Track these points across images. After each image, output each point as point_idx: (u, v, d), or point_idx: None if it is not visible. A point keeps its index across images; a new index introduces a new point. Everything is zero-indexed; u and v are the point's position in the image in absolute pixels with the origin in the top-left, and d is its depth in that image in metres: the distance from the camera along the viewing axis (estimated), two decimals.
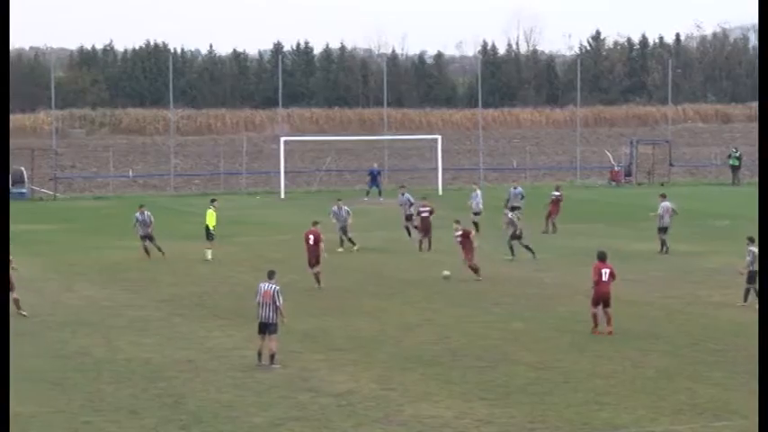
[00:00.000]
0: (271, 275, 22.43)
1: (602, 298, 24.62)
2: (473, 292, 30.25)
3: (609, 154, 72.76)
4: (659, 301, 28.99)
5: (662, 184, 60.99)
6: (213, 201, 37.95)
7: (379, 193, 56.18)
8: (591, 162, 73.49)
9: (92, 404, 19.62)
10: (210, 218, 36.34)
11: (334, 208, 38.43)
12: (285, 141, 59.96)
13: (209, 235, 36.25)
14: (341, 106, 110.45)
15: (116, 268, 34.68)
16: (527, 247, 35.68)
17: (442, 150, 62.19)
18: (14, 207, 48.11)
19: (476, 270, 31.88)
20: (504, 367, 21.96)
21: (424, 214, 38.38)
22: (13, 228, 42.22)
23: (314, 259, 31.22)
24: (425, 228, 38.15)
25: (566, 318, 26.58)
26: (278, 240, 40.94)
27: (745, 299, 27.60)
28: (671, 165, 68.12)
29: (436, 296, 29.72)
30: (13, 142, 73.87)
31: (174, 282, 32.23)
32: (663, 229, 37.38)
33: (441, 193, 58.33)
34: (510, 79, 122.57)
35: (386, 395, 20.06)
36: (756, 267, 26.60)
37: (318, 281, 30.93)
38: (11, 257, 26.86)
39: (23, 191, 56.62)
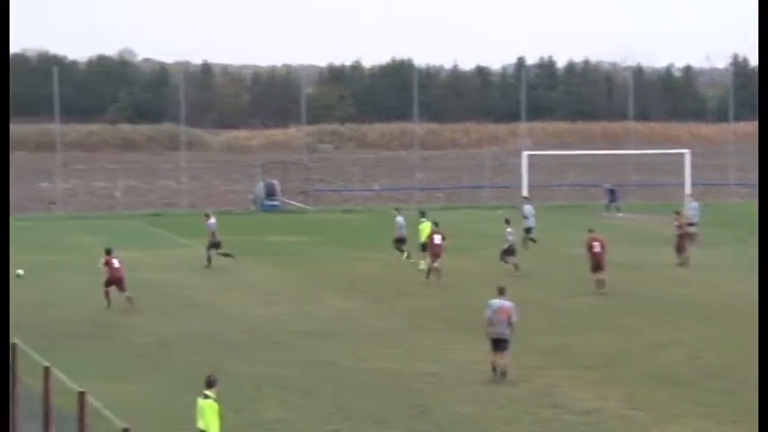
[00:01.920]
0: (502, 292, 22.30)
1: None
2: (723, 312, 29.24)
3: None
4: None
5: None
6: (423, 214, 38.41)
7: (617, 209, 55.29)
8: None
9: (339, 412, 19.99)
10: (426, 231, 36.23)
11: (399, 219, 38.92)
12: (528, 155, 59.67)
13: (422, 247, 36.12)
14: (584, 120, 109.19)
15: (361, 279, 35.32)
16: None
17: (691, 165, 60.47)
18: (267, 219, 49.80)
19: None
20: (756, 390, 21.05)
21: (437, 241, 34.88)
22: (264, 238, 43.77)
23: (597, 265, 31.65)
24: (436, 253, 34.69)
25: None
26: (521, 255, 40.70)
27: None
28: None
29: (685, 314, 28.89)
30: (267, 156, 76.74)
31: (417, 293, 32.53)
32: None
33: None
34: None
35: (632, 415, 19.59)
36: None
37: (600, 287, 31.26)
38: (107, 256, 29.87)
39: (276, 203, 58.53)
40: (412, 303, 30.96)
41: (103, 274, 30.21)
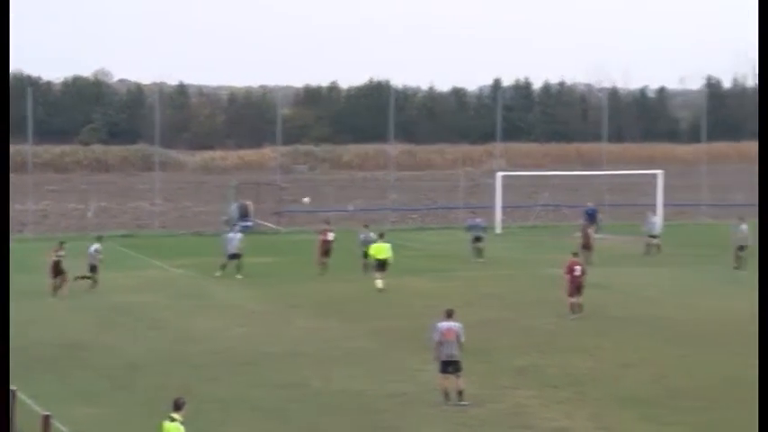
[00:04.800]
0: (450, 314, 22.29)
1: None
2: (692, 331, 29.37)
3: None
4: None
5: None
6: (381, 235, 39.24)
7: (597, 230, 55.38)
8: None
9: None
10: (382, 250, 37.44)
11: (361, 236, 41.23)
12: (502, 176, 59.88)
13: (381, 266, 37.18)
14: (559, 141, 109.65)
15: (333, 300, 35.31)
16: None
17: (664, 185, 60.78)
18: (229, 240, 49.42)
19: None
20: (723, 409, 21.19)
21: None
22: (220, 259, 43.61)
23: (576, 290, 31.54)
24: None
25: None
26: (494, 275, 40.87)
27: None
28: None
29: (654, 334, 29.00)
30: (241, 177, 76.63)
31: (388, 314, 32.55)
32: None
33: (662, 229, 56.95)
34: (735, 113, 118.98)
35: None
36: None
37: (575, 311, 31.33)
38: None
39: (249, 224, 58.43)
40: (383, 324, 30.97)
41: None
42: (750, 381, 23.43)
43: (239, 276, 39.91)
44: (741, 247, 42.66)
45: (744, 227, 43.24)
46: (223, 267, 40.35)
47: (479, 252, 45.39)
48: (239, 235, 41.92)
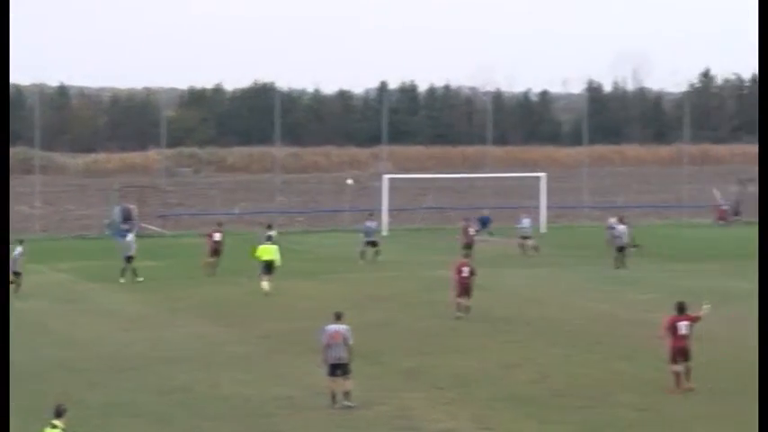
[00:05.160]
0: (339, 317, 22.33)
1: (679, 353, 22.64)
2: (575, 331, 29.89)
3: (716, 192, 71.35)
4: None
5: None
6: (269, 237, 39.43)
7: (490, 234, 56.14)
8: (698, 200, 72.22)
9: None
10: (269, 252, 37.33)
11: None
12: (388, 179, 60.15)
13: (268, 268, 37.10)
14: (444, 144, 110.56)
15: (219, 304, 35.06)
16: None
17: (547, 188, 61.75)
18: (123, 244, 48.80)
19: None
20: (606, 408, 21.61)
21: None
22: (118, 264, 43.17)
23: (464, 291, 31.63)
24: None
25: None
26: (382, 277, 41.05)
27: None
28: None
29: (537, 334, 29.44)
30: (125, 180, 75.60)
31: (276, 318, 32.45)
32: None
33: (545, 230, 57.89)
34: (616, 116, 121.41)
35: None
36: None
37: (461, 311, 31.50)
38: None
39: (129, 227, 57.64)
40: (269, 327, 30.86)
41: None
42: (631, 379, 23.97)
43: (123, 281, 39.43)
44: (621, 248, 43.57)
45: (621, 227, 44.19)
46: (124, 273, 39.83)
47: (376, 254, 45.56)
48: (131, 237, 41.60)
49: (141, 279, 39.57)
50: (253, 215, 68.64)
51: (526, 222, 49.35)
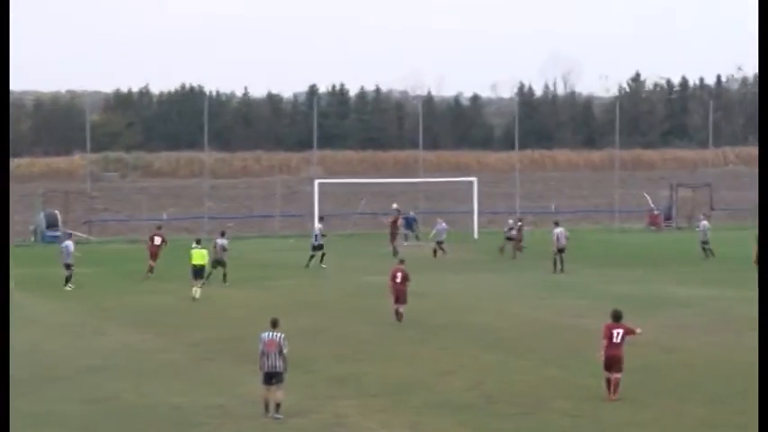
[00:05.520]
0: (275, 324, 21.88)
1: (612, 361, 22.44)
2: (508, 338, 29.78)
3: (648, 197, 71.93)
4: (699, 348, 28.37)
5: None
6: (198, 241, 39.61)
7: (417, 237, 56.05)
8: (630, 205, 72.79)
9: None
10: (199, 256, 37.68)
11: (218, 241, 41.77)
12: (319, 184, 59.79)
13: (198, 273, 37.39)
14: (375, 149, 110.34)
15: (149, 311, 34.49)
16: None
17: (479, 193, 61.80)
18: (49, 250, 48.06)
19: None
20: (540, 414, 21.47)
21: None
22: (45, 271, 42.44)
23: (401, 297, 31.51)
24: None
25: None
26: (314, 284, 40.72)
27: None
28: (711, 209, 67.09)
29: (471, 341, 29.28)
30: (49, 185, 74.35)
31: (206, 325, 31.97)
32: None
33: (476, 236, 57.94)
34: (547, 121, 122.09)
35: None
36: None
37: (399, 318, 31.55)
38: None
39: (58, 234, 56.70)
40: (199, 336, 30.37)
41: None
42: (565, 385, 23.87)
43: (69, 287, 38.91)
44: (560, 250, 43.79)
45: (559, 230, 44.40)
46: (68, 280, 39.39)
47: (321, 258, 45.41)
48: (70, 243, 41.10)
49: (70, 288, 38.95)
50: (180, 221, 67.90)
51: (441, 227, 50.55)
